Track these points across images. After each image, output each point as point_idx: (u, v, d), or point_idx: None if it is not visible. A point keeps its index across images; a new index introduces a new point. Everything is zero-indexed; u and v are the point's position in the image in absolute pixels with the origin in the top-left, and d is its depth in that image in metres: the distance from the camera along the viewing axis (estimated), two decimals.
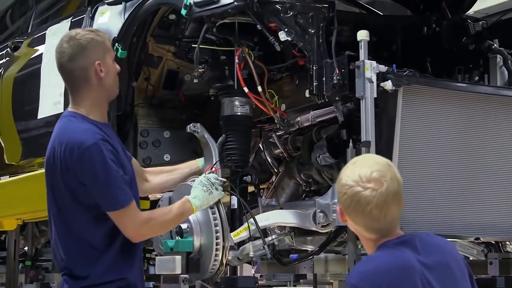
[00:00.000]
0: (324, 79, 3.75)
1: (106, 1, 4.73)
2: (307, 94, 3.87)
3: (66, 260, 3.07)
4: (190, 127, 4.08)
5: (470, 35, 4.67)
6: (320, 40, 3.80)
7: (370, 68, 3.57)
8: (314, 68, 3.77)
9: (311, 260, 4.62)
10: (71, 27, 4.97)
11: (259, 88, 3.91)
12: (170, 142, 4.55)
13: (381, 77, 3.59)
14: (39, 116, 5.16)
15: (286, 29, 3.79)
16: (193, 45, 4.01)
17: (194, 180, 3.70)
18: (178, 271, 3.80)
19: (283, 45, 3.87)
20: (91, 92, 3.13)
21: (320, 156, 3.98)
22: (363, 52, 3.61)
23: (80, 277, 3.04)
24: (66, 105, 4.68)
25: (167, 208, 3.41)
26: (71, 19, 5.10)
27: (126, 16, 4.34)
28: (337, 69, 3.68)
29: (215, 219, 3.81)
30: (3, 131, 5.92)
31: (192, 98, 4.69)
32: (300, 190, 4.39)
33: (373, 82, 3.56)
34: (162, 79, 4.61)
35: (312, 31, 3.81)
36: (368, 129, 3.52)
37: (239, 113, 4.11)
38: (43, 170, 4.63)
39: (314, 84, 3.76)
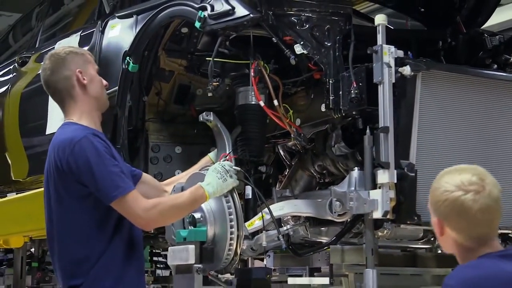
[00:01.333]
0: (341, 93, 3.68)
1: (117, 14, 4.66)
2: (323, 109, 3.80)
3: (65, 269, 3.04)
4: (203, 116, 4.02)
5: (487, 49, 4.60)
6: (337, 53, 3.74)
7: (388, 53, 3.51)
8: (330, 81, 3.70)
9: (326, 252, 4.49)
10: (80, 41, 4.92)
11: (275, 102, 3.83)
12: (181, 158, 4.46)
13: (399, 62, 3.53)
14: (48, 131, 5.09)
15: (302, 42, 3.74)
16: (207, 59, 3.93)
17: (207, 169, 3.56)
18: (191, 261, 3.69)
19: (299, 58, 3.80)
20: (78, 101, 3.15)
21: (335, 146, 3.92)
22: (381, 37, 3.53)
23: (75, 285, 3.01)
24: None
25: (178, 194, 3.29)
26: (81, 33, 5.04)
27: (138, 29, 4.27)
28: (354, 82, 3.60)
29: (229, 207, 3.68)
30: (10, 147, 5.85)
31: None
32: (313, 182, 4.30)
33: (391, 67, 3.49)
34: (173, 94, 4.54)
35: (329, 44, 3.76)
36: (386, 115, 3.46)
37: (253, 102, 4.01)
38: None
39: (331, 98, 3.70)
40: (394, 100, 3.47)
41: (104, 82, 3.27)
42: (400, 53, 3.54)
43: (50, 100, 5.04)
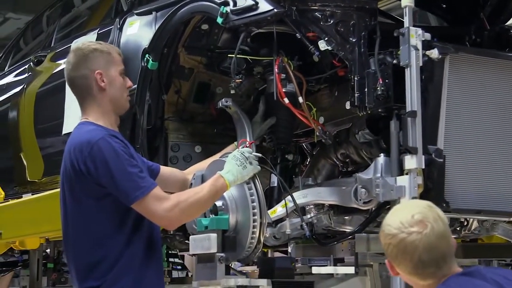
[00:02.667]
0: (366, 90, 3.58)
1: (135, 12, 4.59)
2: (347, 106, 3.72)
3: (80, 270, 2.99)
4: (222, 102, 3.95)
5: None
6: (362, 49, 3.65)
7: (416, 36, 3.43)
8: (355, 78, 3.60)
9: (349, 242, 4.39)
10: (97, 39, 4.84)
11: (300, 99, 3.74)
12: (201, 157, 4.33)
13: (427, 45, 3.45)
14: (64, 131, 5.02)
15: (326, 38, 3.65)
16: (229, 55, 3.85)
17: (228, 156, 3.48)
18: (213, 249, 3.60)
19: (322, 55, 3.72)
20: (95, 101, 3.11)
21: (359, 133, 3.83)
22: (407, 19, 3.46)
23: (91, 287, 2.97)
24: None
25: (199, 187, 3.19)
26: (98, 31, 4.97)
27: (157, 26, 4.19)
28: (380, 79, 3.52)
29: (251, 195, 3.58)
30: (25, 148, 5.79)
31: (224, 111, 4.50)
32: (336, 171, 4.21)
33: (418, 50, 3.42)
34: (193, 92, 4.46)
35: (354, 40, 3.66)
36: (413, 99, 3.39)
37: (284, 91, 3.88)
38: None
39: (356, 95, 3.60)
40: (421, 84, 3.40)
41: (128, 83, 3.21)
42: (428, 36, 3.47)
43: (67, 100, 5.07)
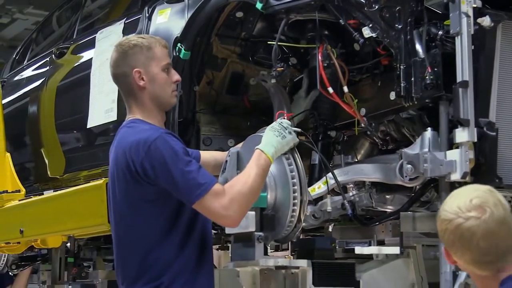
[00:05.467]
0: (413, 79, 3.39)
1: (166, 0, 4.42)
2: (392, 97, 3.53)
3: (131, 274, 2.92)
4: (259, 77, 3.85)
5: None
6: (408, 37, 3.45)
7: (466, 2, 3.23)
8: (401, 67, 3.41)
9: (390, 223, 4.19)
10: (124, 29, 4.68)
11: (345, 89, 3.56)
12: None
13: (478, 12, 3.26)
14: (89, 125, 4.87)
15: (370, 25, 3.47)
16: (269, 43, 3.70)
17: (264, 131, 3.30)
18: (251, 228, 3.42)
19: (365, 43, 3.54)
20: (138, 99, 3.02)
21: None
22: None
23: None
24: (119, 112, 4.43)
25: (245, 174, 3.00)
26: (125, 20, 4.79)
27: (190, 14, 4.02)
28: (429, 67, 3.33)
29: (291, 171, 3.40)
30: (46, 143, 5.63)
31: (258, 103, 4.37)
32: (375, 150, 4.04)
33: (470, 16, 3.22)
34: (225, 83, 4.34)
35: (399, 27, 3.46)
36: (465, 68, 3.20)
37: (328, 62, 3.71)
38: (96, 183, 4.44)
39: (402, 85, 3.41)
40: (473, 54, 3.22)
41: (175, 77, 3.07)
42: (479, 3, 3.27)
43: (92, 92, 4.91)
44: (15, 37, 12.71)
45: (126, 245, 2.95)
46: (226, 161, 3.53)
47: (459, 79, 3.20)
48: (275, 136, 3.14)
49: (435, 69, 3.33)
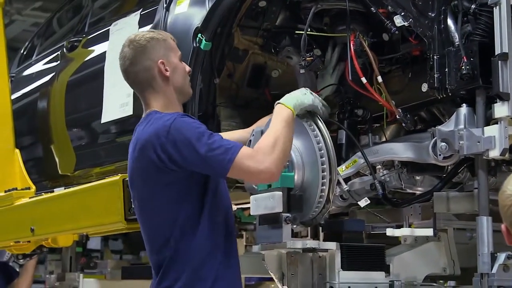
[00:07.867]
0: (447, 70, 3.24)
1: None
2: (423, 89, 3.41)
3: (160, 264, 2.91)
4: (282, 54, 3.80)
5: None
6: (442, 26, 3.30)
7: None
8: (435, 57, 3.27)
9: (419, 206, 4.00)
10: (140, 20, 4.52)
11: (379, 79, 3.42)
12: None
13: None
14: (103, 120, 4.72)
15: (402, 13, 3.32)
16: (297, 32, 3.58)
17: None
18: (278, 209, 3.27)
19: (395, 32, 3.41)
20: (160, 92, 3.01)
21: None
22: None
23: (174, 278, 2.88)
24: (135, 106, 4.29)
25: (270, 130, 2.95)
26: (141, 12, 4.63)
27: (211, 3, 3.86)
28: (465, 57, 3.17)
29: (320, 149, 3.27)
30: (56, 139, 5.48)
31: (280, 97, 4.18)
32: (402, 131, 3.86)
33: None
34: (247, 76, 4.21)
35: (433, 15, 3.31)
36: (504, 40, 3.06)
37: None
38: (112, 179, 4.30)
39: (435, 76, 3.26)
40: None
41: (187, 68, 3.07)
42: None
43: (106, 86, 4.75)
44: (13, 38, 12.63)
45: (151, 238, 2.94)
46: (250, 140, 3.43)
47: (497, 51, 3.06)
48: (296, 92, 3.15)
49: (471, 59, 3.17)
